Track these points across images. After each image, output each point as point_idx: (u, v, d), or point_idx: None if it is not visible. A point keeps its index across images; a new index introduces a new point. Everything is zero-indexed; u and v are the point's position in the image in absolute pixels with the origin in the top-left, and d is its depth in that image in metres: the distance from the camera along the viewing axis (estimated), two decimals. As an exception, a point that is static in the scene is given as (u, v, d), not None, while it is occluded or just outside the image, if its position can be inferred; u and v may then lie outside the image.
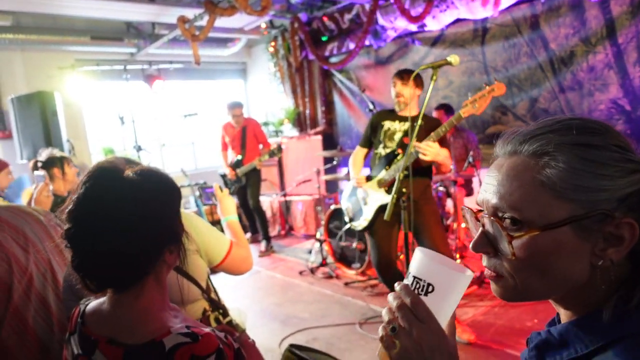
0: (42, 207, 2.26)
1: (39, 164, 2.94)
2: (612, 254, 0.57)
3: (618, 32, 3.72)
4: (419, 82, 2.93)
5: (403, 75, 2.93)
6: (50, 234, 1.84)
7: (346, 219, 3.41)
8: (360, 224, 3.18)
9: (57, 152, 3.12)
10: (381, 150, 3.06)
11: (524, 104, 4.42)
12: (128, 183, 0.94)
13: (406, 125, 2.92)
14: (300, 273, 4.54)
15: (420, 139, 2.68)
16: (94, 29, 6.16)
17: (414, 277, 0.65)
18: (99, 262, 0.91)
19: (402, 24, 4.94)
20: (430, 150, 2.61)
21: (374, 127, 3.15)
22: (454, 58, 2.33)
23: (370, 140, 3.20)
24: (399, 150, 2.93)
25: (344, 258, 4.45)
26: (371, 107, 3.93)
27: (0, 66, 5.86)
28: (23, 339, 1.65)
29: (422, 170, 2.89)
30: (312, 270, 4.52)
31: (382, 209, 2.93)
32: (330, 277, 4.34)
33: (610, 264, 0.57)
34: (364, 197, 3.18)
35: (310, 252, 4.91)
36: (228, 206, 1.78)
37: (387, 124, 3.05)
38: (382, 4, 5.01)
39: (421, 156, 2.65)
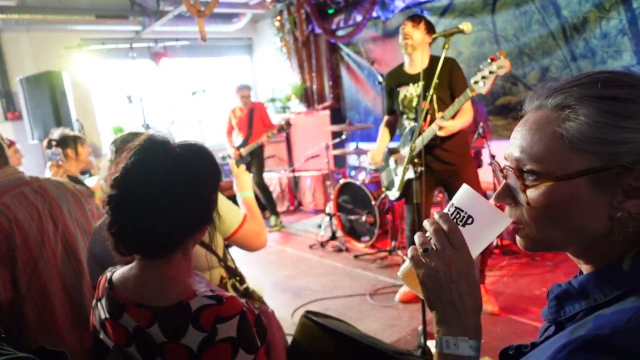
0: None
1: (54, 142, 2.95)
2: (630, 207, 0.58)
3: (633, -4, 3.62)
4: (430, 29, 2.80)
5: (414, 17, 2.83)
6: (85, 215, 1.91)
7: (383, 188, 3.39)
8: (393, 194, 3.16)
9: (69, 132, 3.14)
10: (405, 122, 2.99)
11: (535, 74, 4.34)
12: (178, 157, 0.97)
13: (420, 87, 2.74)
14: (311, 247, 4.60)
15: (439, 93, 2.67)
16: (98, 7, 6.12)
17: (456, 208, 0.70)
18: (137, 230, 0.94)
19: (410, -6, 4.84)
20: (445, 130, 2.61)
21: (390, 94, 3.08)
22: (466, 26, 2.29)
23: (392, 107, 3.12)
24: (423, 124, 2.75)
25: (353, 231, 4.49)
26: (380, 79, 3.90)
27: (8, 47, 5.87)
28: (46, 306, 1.73)
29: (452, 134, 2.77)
30: (322, 244, 4.58)
31: (409, 181, 2.91)
32: (340, 250, 4.39)
33: (629, 216, 0.58)
34: (394, 168, 3.16)
35: (319, 226, 4.96)
36: (244, 182, 1.80)
37: (402, 91, 2.96)
38: (389, -27, 4.91)
39: (438, 132, 2.63)
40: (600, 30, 3.85)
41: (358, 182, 4.27)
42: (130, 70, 6.41)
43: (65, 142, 2.98)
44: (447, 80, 2.79)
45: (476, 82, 2.43)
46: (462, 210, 0.69)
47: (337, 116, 6.33)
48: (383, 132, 3.25)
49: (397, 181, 3.09)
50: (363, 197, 4.24)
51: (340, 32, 6.05)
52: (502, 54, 2.35)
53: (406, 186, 2.97)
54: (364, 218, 4.27)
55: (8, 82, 5.88)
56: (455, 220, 0.69)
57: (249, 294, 1.68)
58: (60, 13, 5.80)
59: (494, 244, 3.85)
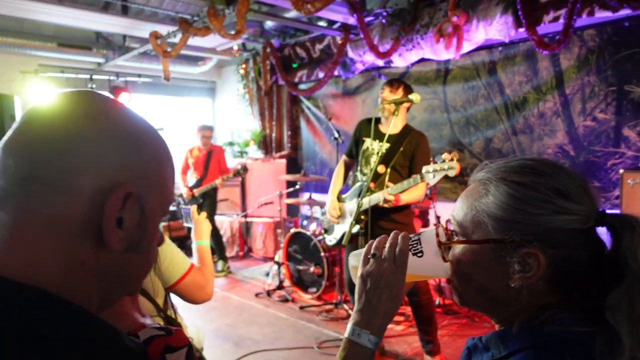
0: None
1: None
2: (520, 279, 0.67)
3: (566, 83, 4.05)
4: (409, 93, 2.85)
5: (393, 82, 2.93)
6: None
7: (322, 229, 3.42)
8: (331, 240, 3.23)
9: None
10: (358, 174, 3.06)
11: (480, 143, 4.68)
12: None
13: (383, 148, 2.85)
14: (257, 295, 4.52)
15: (399, 160, 2.79)
16: (61, 35, 6.06)
17: (418, 239, 0.80)
18: None
19: (370, 59, 5.15)
20: (389, 204, 2.70)
21: (356, 140, 3.14)
22: (415, 96, 2.48)
23: (352, 152, 3.18)
24: (372, 185, 2.84)
25: (300, 282, 4.48)
26: (336, 135, 4.05)
27: (-43, 65, 5.65)
28: None
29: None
30: (269, 293, 4.52)
31: (353, 236, 2.96)
32: (286, 300, 4.34)
33: (520, 287, 0.67)
34: (342, 215, 3.20)
35: (267, 274, 4.91)
36: (203, 231, 1.75)
37: (367, 142, 3.01)
38: (353, 37, 5.23)
39: (382, 204, 2.72)
40: (537, 109, 4.25)
41: (309, 233, 4.32)
42: (86, 101, 6.28)
43: None
44: (410, 154, 2.88)
45: (427, 172, 2.54)
46: (420, 244, 0.79)
47: (293, 165, 6.44)
48: (338, 175, 3.30)
49: (337, 229, 3.17)
50: (313, 248, 4.28)
51: (302, 86, 6.29)
52: (455, 156, 2.48)
53: (350, 238, 3.00)
54: (312, 269, 4.29)
55: (-48, 101, 5.59)
56: (411, 246, 0.79)
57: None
58: (21, 37, 5.69)
59: (437, 302, 3.96)
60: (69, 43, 6.11)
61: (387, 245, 0.80)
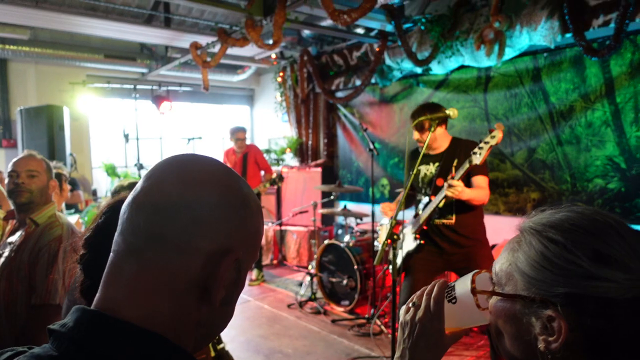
0: None
1: None
2: (544, 341, 0.60)
3: (617, 91, 3.80)
4: (439, 122, 2.73)
5: (418, 125, 2.75)
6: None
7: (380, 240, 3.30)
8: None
9: (55, 168, 3.14)
10: (422, 197, 2.91)
11: (522, 153, 4.47)
12: None
13: (438, 165, 2.79)
14: (289, 306, 4.50)
15: (456, 167, 2.67)
16: (108, 47, 6.31)
17: (453, 286, 0.79)
18: None
19: (408, 66, 5.05)
20: (453, 190, 2.50)
21: (408, 174, 2.96)
22: (452, 111, 2.39)
23: (412, 184, 2.99)
24: (432, 197, 2.75)
25: (333, 294, 4.42)
26: (371, 146, 3.98)
27: (14, 77, 6.00)
28: None
29: (464, 205, 2.68)
30: (301, 304, 4.49)
31: (409, 255, 2.86)
32: (318, 312, 4.30)
33: (547, 351, 0.60)
34: (401, 239, 3.04)
35: (300, 284, 4.88)
36: None
37: (423, 169, 2.89)
38: (390, 45, 5.14)
39: (446, 192, 2.55)
40: (585, 119, 4.00)
41: (342, 245, 4.26)
42: (130, 110, 6.53)
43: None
44: (466, 159, 2.66)
45: (474, 153, 2.45)
46: (454, 290, 0.77)
47: (329, 174, 6.41)
48: (399, 199, 3.11)
49: (400, 253, 2.97)
50: (346, 260, 4.22)
51: (339, 94, 6.25)
52: (501, 127, 2.37)
53: (406, 258, 2.90)
54: (345, 282, 4.23)
55: (9, 111, 5.95)
56: (446, 293, 0.78)
57: (223, 354, 1.68)
58: (70, 50, 5.97)
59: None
60: (115, 54, 6.37)
61: (425, 292, 0.81)
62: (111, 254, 0.58)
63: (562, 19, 3.61)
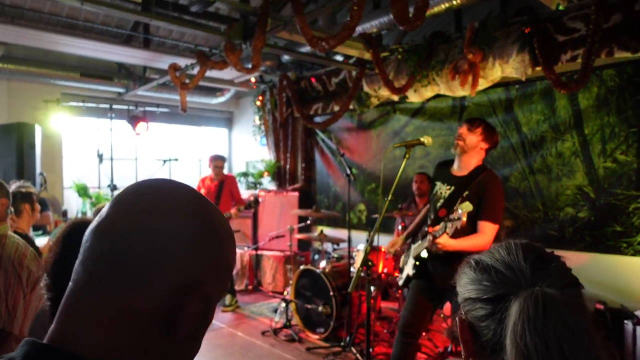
0: None
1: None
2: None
3: (585, 123, 3.94)
4: (488, 137, 2.65)
5: (474, 121, 2.71)
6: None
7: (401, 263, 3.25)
8: (399, 279, 3.05)
9: (24, 187, 3.02)
10: (428, 218, 2.85)
11: (496, 181, 4.55)
12: None
13: (450, 190, 2.66)
14: (263, 333, 4.40)
15: (464, 199, 2.58)
16: (85, 66, 6.24)
17: None
18: None
19: (386, 94, 5.14)
20: (435, 247, 2.47)
21: (433, 185, 2.89)
22: (426, 139, 2.42)
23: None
24: (429, 229, 2.63)
25: (309, 320, 4.35)
26: (348, 172, 4.00)
27: (-16, 93, 5.84)
28: None
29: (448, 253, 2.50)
30: (275, 331, 4.39)
31: (409, 278, 2.83)
32: (293, 340, 4.21)
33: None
34: (407, 256, 3.00)
35: (276, 310, 4.79)
36: None
37: (438, 186, 2.77)
38: (368, 72, 5.23)
39: (429, 245, 2.51)
40: (555, 149, 4.13)
41: (318, 271, 4.21)
42: (106, 130, 6.41)
43: (23, 198, 2.85)
44: (477, 199, 2.53)
45: (445, 220, 2.40)
46: None
47: (307, 198, 6.39)
48: (419, 216, 3.13)
49: (405, 270, 2.96)
50: (322, 286, 4.17)
51: (317, 119, 6.29)
52: (468, 208, 2.30)
53: (407, 280, 2.89)
54: (320, 308, 4.16)
55: (-24, 128, 5.76)
56: None
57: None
58: (45, 67, 5.87)
59: (449, 349, 3.78)
60: (91, 73, 6.29)
61: None
62: (70, 283, 0.55)
63: (533, 53, 3.76)
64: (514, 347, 0.63)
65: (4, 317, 1.72)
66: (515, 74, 3.93)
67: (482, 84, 4.23)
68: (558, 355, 0.60)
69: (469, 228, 2.49)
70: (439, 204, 2.69)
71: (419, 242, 2.83)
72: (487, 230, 2.48)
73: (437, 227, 2.47)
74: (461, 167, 2.69)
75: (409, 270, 2.83)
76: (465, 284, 0.76)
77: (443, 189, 2.71)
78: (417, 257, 2.74)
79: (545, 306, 0.62)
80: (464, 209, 2.27)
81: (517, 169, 4.39)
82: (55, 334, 0.53)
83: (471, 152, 2.64)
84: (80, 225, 1.03)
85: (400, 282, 3.02)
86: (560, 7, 3.68)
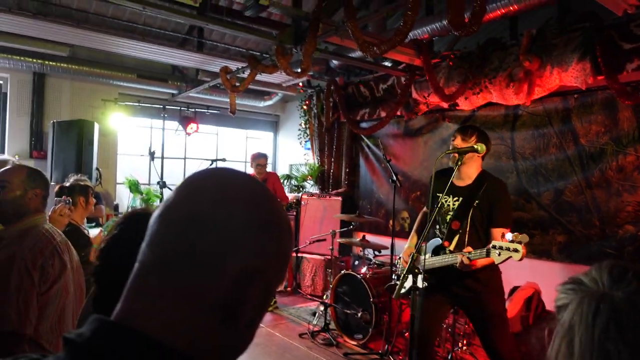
0: (56, 226, 2.25)
1: (65, 190, 2.96)
2: None
3: (650, 136, 3.71)
4: (483, 141, 2.63)
5: (466, 130, 2.70)
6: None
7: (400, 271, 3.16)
8: (402, 289, 3.01)
9: (82, 181, 3.16)
10: (436, 230, 2.80)
11: (549, 194, 4.36)
12: None
13: (459, 201, 2.66)
14: (301, 335, 4.40)
15: (475, 215, 2.58)
16: (141, 67, 6.52)
17: None
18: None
19: (435, 100, 5.05)
20: (466, 268, 2.44)
21: (433, 196, 2.84)
22: (480, 146, 2.35)
23: (429, 205, 2.89)
24: (446, 244, 2.65)
25: (347, 326, 4.31)
26: (394, 177, 3.95)
27: (50, 91, 6.22)
28: None
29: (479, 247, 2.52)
30: (313, 334, 4.38)
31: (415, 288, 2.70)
32: (330, 344, 4.18)
33: None
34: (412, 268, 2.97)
35: (314, 314, 4.78)
36: None
37: (443, 199, 2.71)
38: (418, 78, 5.16)
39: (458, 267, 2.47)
40: (617, 163, 3.90)
41: (359, 276, 4.17)
42: (158, 129, 6.66)
43: (80, 190, 2.98)
44: (488, 208, 2.58)
45: (494, 248, 2.30)
46: None
47: (349, 203, 6.36)
48: (417, 225, 3.08)
49: (409, 279, 2.91)
50: (362, 291, 4.12)
51: (363, 125, 6.27)
52: (524, 239, 2.22)
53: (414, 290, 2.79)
54: (359, 314, 4.12)
55: (42, 123, 6.14)
56: None
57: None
58: (106, 68, 6.19)
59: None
60: (147, 75, 6.57)
61: None
62: (136, 264, 0.56)
63: (595, 61, 3.58)
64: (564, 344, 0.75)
65: (14, 320, 1.64)
66: (574, 82, 3.76)
67: (539, 93, 4.08)
68: (599, 350, 0.69)
69: (483, 234, 2.57)
70: (448, 217, 2.68)
71: (428, 255, 2.72)
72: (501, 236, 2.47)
73: (472, 250, 2.43)
74: (462, 178, 2.70)
75: (416, 281, 2.71)
76: (558, 296, 0.81)
77: (450, 201, 2.70)
78: (431, 271, 2.64)
79: (598, 307, 0.72)
80: (523, 240, 2.20)
81: (573, 182, 4.18)
82: (122, 312, 0.54)
83: (469, 162, 2.65)
84: (139, 214, 1.04)
85: (403, 291, 2.94)
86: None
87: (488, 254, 2.32)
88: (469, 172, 2.68)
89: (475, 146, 2.37)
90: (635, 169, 3.78)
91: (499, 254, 2.27)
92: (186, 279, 0.53)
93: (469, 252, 2.44)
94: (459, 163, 2.43)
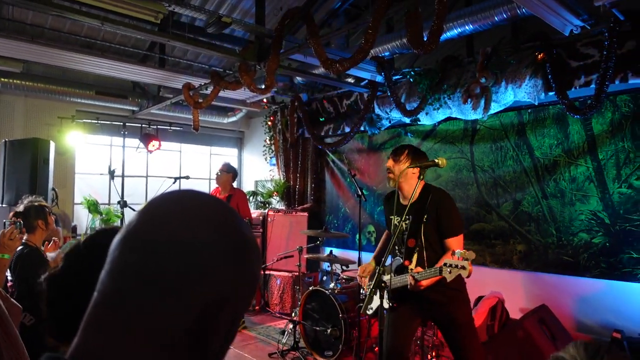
0: (6, 251, 2.17)
1: (20, 215, 2.81)
2: None
3: (598, 148, 3.92)
4: (415, 160, 2.67)
5: (396, 152, 2.76)
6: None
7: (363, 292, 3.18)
8: (369, 309, 2.98)
9: (37, 202, 3.01)
10: (396, 250, 2.81)
11: (508, 205, 4.52)
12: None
13: (409, 220, 2.69)
14: (270, 355, 4.32)
15: (427, 231, 2.63)
16: (100, 84, 6.35)
17: None
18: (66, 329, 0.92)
19: (397, 116, 5.17)
20: (416, 288, 2.49)
21: (386, 217, 2.95)
22: (441, 161, 2.40)
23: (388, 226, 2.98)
24: (406, 263, 2.65)
25: (316, 343, 4.27)
26: (359, 192, 3.99)
27: (1, 109, 5.95)
28: None
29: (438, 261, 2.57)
30: (283, 353, 4.31)
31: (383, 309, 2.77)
32: (300, 362, 4.13)
33: None
34: (376, 286, 2.97)
35: (283, 332, 4.72)
36: None
37: (394, 220, 2.77)
38: (380, 94, 5.27)
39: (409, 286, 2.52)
40: (569, 174, 4.10)
41: (327, 292, 4.16)
42: (118, 147, 6.48)
43: (35, 213, 2.85)
44: (436, 218, 2.62)
45: (445, 266, 2.36)
46: None
47: (316, 219, 6.36)
48: (381, 243, 3.14)
49: (376, 299, 2.88)
50: (331, 307, 4.11)
51: (328, 140, 6.32)
52: (471, 256, 2.29)
53: (376, 311, 2.83)
54: (329, 331, 4.10)
55: (-8, 142, 5.85)
56: None
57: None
58: (62, 85, 5.98)
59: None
60: (106, 91, 6.40)
61: None
62: (95, 294, 0.52)
63: (546, 78, 3.78)
64: None
65: None
66: (527, 98, 3.94)
67: (494, 108, 4.24)
68: None
69: (439, 248, 2.62)
70: (405, 236, 2.71)
71: (391, 274, 2.74)
72: (455, 245, 2.56)
73: (422, 270, 2.49)
74: (406, 197, 2.74)
75: (382, 302, 2.74)
76: None
77: (401, 222, 2.69)
78: (394, 291, 2.66)
79: None
80: (470, 257, 2.27)
81: (530, 194, 4.36)
82: (78, 349, 0.50)
83: (408, 181, 2.69)
84: (93, 240, 1.00)
85: (370, 312, 2.99)
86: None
87: (440, 272, 2.37)
88: (410, 190, 2.68)
89: (437, 160, 2.42)
90: (587, 179, 3.98)
91: (450, 272, 2.33)
92: (150, 310, 0.49)
93: (418, 273, 2.49)
94: (421, 178, 2.48)
